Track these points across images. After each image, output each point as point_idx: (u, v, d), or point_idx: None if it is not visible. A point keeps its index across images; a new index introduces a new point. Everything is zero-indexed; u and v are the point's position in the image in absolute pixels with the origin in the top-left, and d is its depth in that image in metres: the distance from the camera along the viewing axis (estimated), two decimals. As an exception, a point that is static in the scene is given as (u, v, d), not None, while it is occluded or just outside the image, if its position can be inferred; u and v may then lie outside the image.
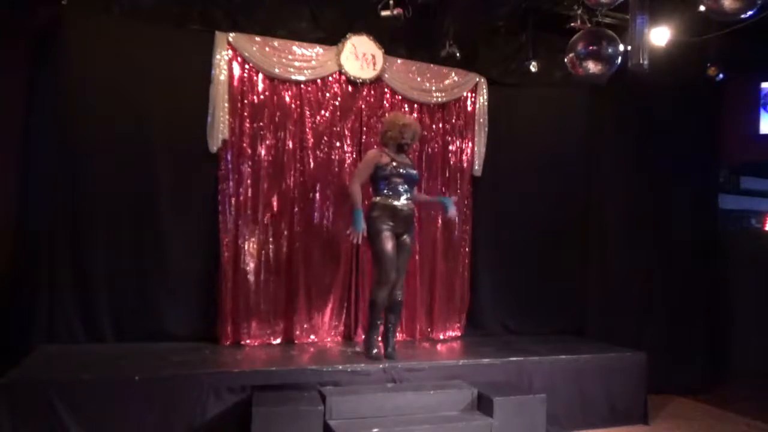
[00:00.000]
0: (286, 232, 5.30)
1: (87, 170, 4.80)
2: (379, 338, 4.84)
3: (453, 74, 5.86)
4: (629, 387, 5.25)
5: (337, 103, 5.51)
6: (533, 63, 5.75)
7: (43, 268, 4.66)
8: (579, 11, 4.80)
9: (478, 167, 5.96)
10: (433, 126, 5.87)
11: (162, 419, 3.91)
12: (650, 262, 6.42)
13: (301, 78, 5.34)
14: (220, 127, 5.05)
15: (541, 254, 6.16)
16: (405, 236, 4.86)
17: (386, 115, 5.40)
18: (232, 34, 5.13)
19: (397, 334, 5.55)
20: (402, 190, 4.81)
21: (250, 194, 5.19)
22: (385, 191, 4.79)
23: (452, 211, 5.07)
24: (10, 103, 4.66)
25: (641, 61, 4.30)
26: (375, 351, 4.70)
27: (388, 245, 4.69)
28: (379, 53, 5.54)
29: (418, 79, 5.76)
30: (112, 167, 4.85)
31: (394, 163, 4.78)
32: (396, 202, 4.78)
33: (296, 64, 5.32)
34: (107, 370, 4.09)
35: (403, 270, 4.89)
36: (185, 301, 5.03)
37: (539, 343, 5.57)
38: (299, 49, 5.35)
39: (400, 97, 5.72)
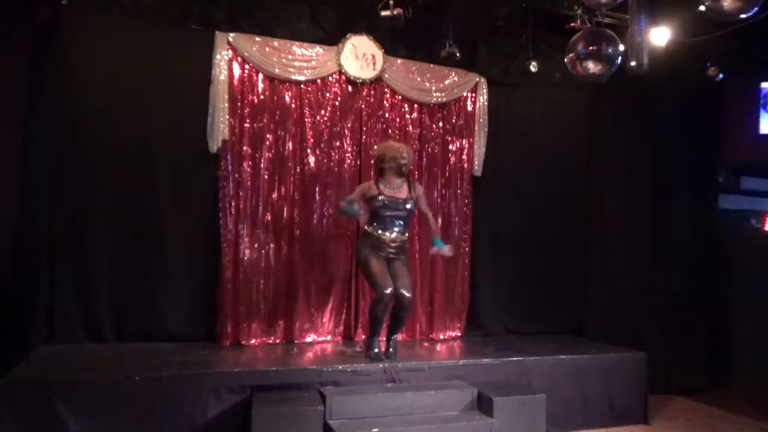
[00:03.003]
0: (286, 232, 5.30)
1: (87, 170, 4.81)
2: (383, 338, 4.86)
3: (453, 74, 5.86)
4: (629, 387, 5.25)
5: (337, 103, 5.51)
6: (533, 63, 5.75)
7: (43, 268, 4.67)
8: (579, 11, 4.80)
9: (478, 167, 5.96)
10: (433, 126, 5.87)
11: (162, 419, 3.91)
12: (650, 262, 6.42)
13: (301, 78, 5.34)
14: (220, 127, 5.05)
15: (541, 254, 6.16)
16: (398, 262, 4.81)
17: (375, 146, 5.34)
18: (232, 34, 5.13)
19: (398, 334, 5.56)
20: (393, 223, 4.79)
21: (250, 194, 5.19)
22: (375, 223, 4.80)
23: (444, 250, 4.98)
24: (10, 103, 4.66)
25: (641, 61, 4.30)
26: (375, 350, 4.70)
27: (374, 263, 4.69)
28: (379, 53, 5.54)
29: (418, 79, 5.76)
30: (112, 167, 4.86)
31: (382, 197, 4.75)
32: (385, 235, 4.77)
33: (296, 64, 5.32)
34: (107, 370, 4.09)
35: (406, 285, 4.73)
36: (185, 301, 5.03)
37: (539, 343, 5.57)
38: (299, 49, 5.35)
39: (400, 97, 5.72)
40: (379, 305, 4.66)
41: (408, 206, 4.84)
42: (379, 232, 4.77)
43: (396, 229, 4.80)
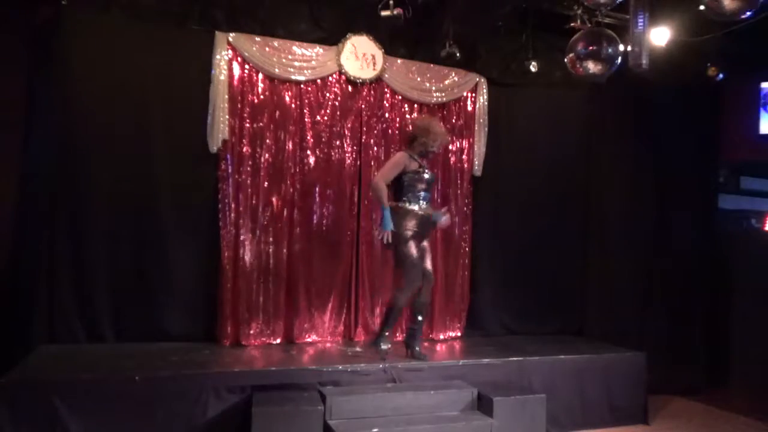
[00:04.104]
0: (286, 232, 5.30)
1: (87, 170, 4.80)
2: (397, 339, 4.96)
3: (453, 74, 5.86)
4: (629, 387, 5.26)
5: (337, 103, 5.51)
6: (533, 63, 5.75)
7: (43, 268, 4.67)
8: (579, 11, 4.80)
9: (478, 167, 5.96)
10: (433, 126, 5.86)
11: (162, 419, 3.91)
12: (650, 262, 6.42)
13: (301, 78, 5.34)
14: (220, 127, 5.05)
15: (541, 254, 6.16)
16: (426, 241, 4.84)
17: (417, 120, 5.24)
18: (232, 34, 5.13)
19: (398, 334, 5.57)
20: (423, 195, 4.77)
21: (250, 194, 5.19)
22: (408, 196, 4.72)
23: (443, 221, 4.93)
24: (10, 103, 4.66)
25: (641, 61, 4.30)
26: (384, 348, 4.67)
27: (414, 250, 4.64)
28: (379, 53, 5.54)
29: (418, 79, 5.76)
30: (112, 167, 4.85)
31: (421, 169, 4.75)
32: (417, 207, 4.72)
33: (296, 64, 5.32)
34: (107, 370, 4.09)
35: (430, 266, 4.87)
36: (185, 301, 5.03)
37: (539, 343, 5.57)
38: (299, 49, 5.35)
39: (400, 97, 5.72)
40: (406, 295, 4.67)
41: (433, 180, 4.91)
42: (412, 205, 4.71)
43: (424, 201, 4.78)
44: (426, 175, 4.76)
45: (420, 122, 5.02)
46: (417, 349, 4.80)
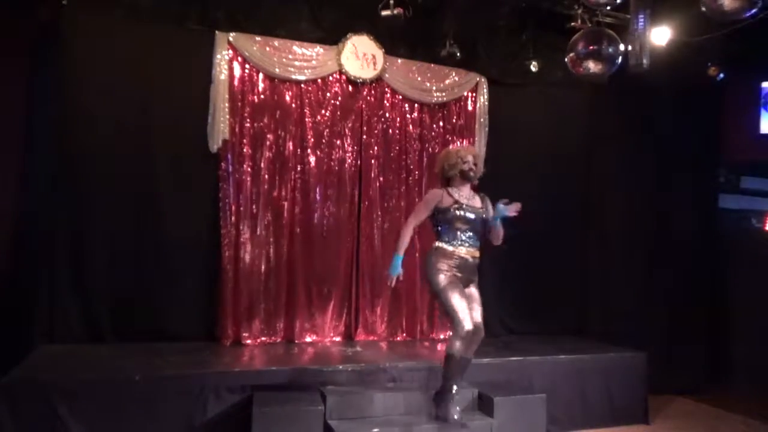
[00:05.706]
0: (286, 232, 5.30)
1: (87, 170, 4.80)
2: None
3: (453, 74, 5.86)
4: (629, 387, 5.26)
5: (337, 103, 5.51)
6: (534, 62, 5.76)
7: (43, 268, 4.67)
8: (579, 11, 4.80)
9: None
10: (434, 126, 5.87)
11: (162, 419, 3.91)
12: (650, 262, 6.42)
13: (302, 78, 5.34)
14: (221, 127, 5.05)
15: (541, 254, 6.15)
16: (470, 287, 4.18)
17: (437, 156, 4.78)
18: (232, 34, 5.13)
19: (400, 333, 5.56)
20: (466, 237, 4.10)
21: (250, 194, 5.19)
22: (447, 237, 4.08)
23: (511, 210, 4.24)
24: (10, 103, 4.66)
25: (641, 61, 4.31)
26: (455, 417, 3.98)
27: (454, 293, 3.97)
28: (379, 53, 5.54)
29: (419, 78, 5.76)
30: (112, 167, 4.85)
31: (456, 205, 4.08)
32: (458, 250, 4.07)
33: (296, 63, 5.32)
34: (107, 370, 4.09)
35: (480, 317, 4.14)
36: (186, 301, 5.03)
37: (539, 343, 5.57)
38: (299, 49, 5.35)
39: (400, 97, 5.72)
40: (456, 342, 3.95)
41: (484, 216, 4.22)
42: (451, 247, 4.06)
43: (472, 243, 4.14)
44: (469, 214, 4.09)
45: (438, 156, 4.55)
46: (450, 412, 3.98)
